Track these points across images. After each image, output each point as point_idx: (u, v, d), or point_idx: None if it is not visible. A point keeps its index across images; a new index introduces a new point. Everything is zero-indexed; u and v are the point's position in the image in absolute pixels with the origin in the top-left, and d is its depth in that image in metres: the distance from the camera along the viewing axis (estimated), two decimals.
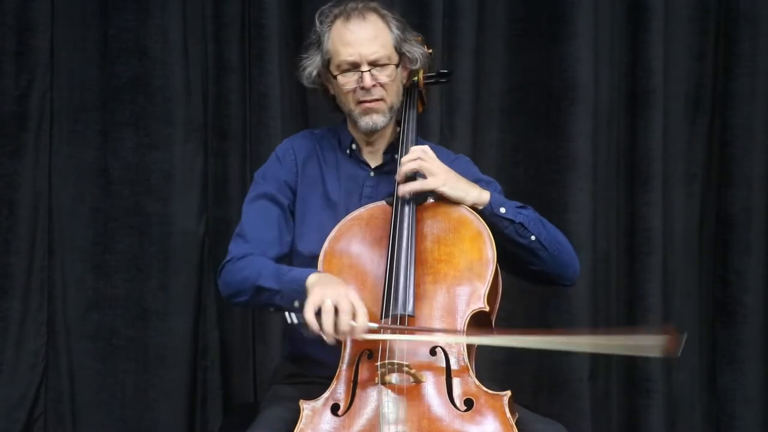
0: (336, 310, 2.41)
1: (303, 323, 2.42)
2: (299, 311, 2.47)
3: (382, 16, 2.77)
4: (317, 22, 2.79)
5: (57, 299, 3.81)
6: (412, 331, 2.49)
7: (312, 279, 2.51)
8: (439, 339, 2.50)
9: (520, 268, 2.70)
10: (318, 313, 2.42)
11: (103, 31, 3.79)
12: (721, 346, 3.90)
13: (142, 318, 3.81)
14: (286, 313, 2.46)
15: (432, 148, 2.75)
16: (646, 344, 2.46)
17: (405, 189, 2.65)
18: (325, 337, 2.41)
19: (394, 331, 2.48)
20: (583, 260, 3.70)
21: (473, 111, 3.81)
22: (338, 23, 2.76)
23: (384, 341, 2.47)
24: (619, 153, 3.87)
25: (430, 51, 2.93)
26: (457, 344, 2.49)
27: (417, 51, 2.81)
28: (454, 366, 2.47)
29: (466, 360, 2.48)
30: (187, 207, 3.80)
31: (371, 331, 2.44)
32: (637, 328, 2.48)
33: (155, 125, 3.79)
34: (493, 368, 3.50)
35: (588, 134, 3.77)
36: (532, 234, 2.67)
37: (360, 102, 2.75)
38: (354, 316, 2.41)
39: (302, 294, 2.50)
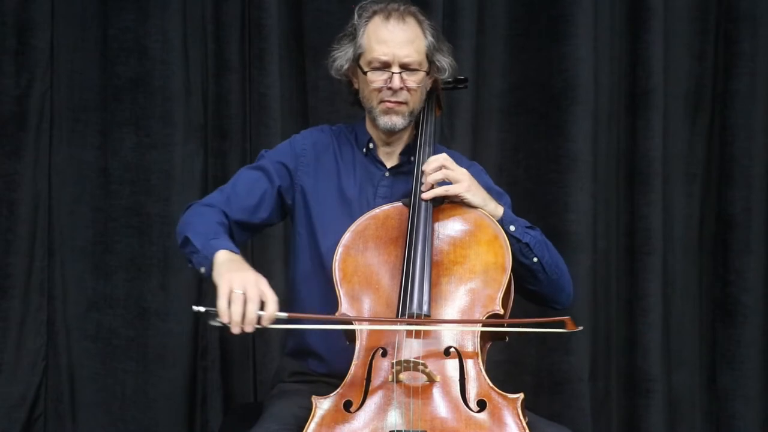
0: (244, 299, 2.39)
1: (212, 313, 2.39)
2: (203, 277, 2.49)
3: (420, 22, 2.78)
4: (355, 15, 2.79)
5: (57, 299, 3.81)
6: (325, 321, 2.52)
7: (222, 257, 2.51)
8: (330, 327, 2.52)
9: (516, 285, 2.69)
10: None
11: (103, 31, 3.79)
12: (721, 346, 3.90)
13: (142, 318, 3.81)
14: (194, 306, 2.44)
15: (449, 153, 2.77)
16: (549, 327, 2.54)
17: (428, 195, 2.65)
18: (231, 327, 2.38)
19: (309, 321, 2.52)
20: (583, 260, 3.74)
21: (473, 111, 3.81)
22: (377, 20, 2.75)
23: (399, 340, 2.47)
24: (619, 153, 3.87)
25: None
26: (473, 344, 2.50)
27: (446, 61, 2.81)
28: (468, 366, 2.47)
29: (480, 361, 2.49)
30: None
31: (279, 320, 2.42)
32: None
33: (155, 125, 3.79)
34: (494, 368, 3.48)
35: (588, 134, 3.77)
36: (536, 256, 2.69)
37: (383, 101, 2.75)
38: (263, 305, 2.40)
39: (209, 263, 2.51)
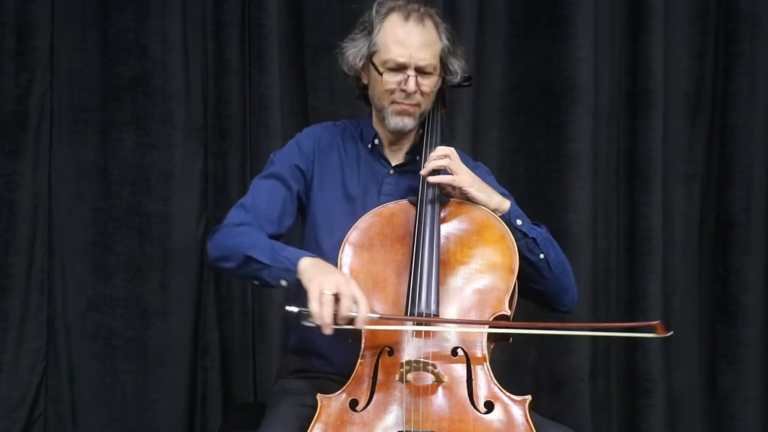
0: (336, 299, 2.40)
1: (305, 314, 2.41)
2: (285, 288, 2.50)
3: (437, 25, 2.75)
4: (373, 11, 2.75)
5: (57, 299, 3.81)
6: (418, 322, 2.48)
7: (305, 263, 2.50)
8: (451, 329, 2.50)
9: (521, 284, 2.68)
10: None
11: (103, 31, 3.79)
12: (721, 346, 3.90)
13: (142, 318, 3.81)
14: (287, 307, 2.45)
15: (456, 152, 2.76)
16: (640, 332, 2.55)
17: (434, 179, 2.64)
18: (323, 328, 2.40)
19: (399, 322, 2.49)
20: (583, 260, 3.74)
21: (473, 111, 3.81)
22: (394, 19, 2.72)
23: (407, 339, 2.47)
24: (619, 153, 3.88)
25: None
26: (481, 345, 2.49)
27: (458, 65, 2.79)
28: (475, 367, 2.47)
29: (487, 362, 2.49)
30: (187, 207, 3.80)
31: (372, 321, 2.43)
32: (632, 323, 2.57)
33: (155, 125, 3.79)
34: (494, 368, 3.50)
35: (588, 134, 3.77)
36: (542, 252, 2.68)
37: (396, 102, 2.74)
38: (356, 305, 2.40)
39: (292, 274, 2.50)
